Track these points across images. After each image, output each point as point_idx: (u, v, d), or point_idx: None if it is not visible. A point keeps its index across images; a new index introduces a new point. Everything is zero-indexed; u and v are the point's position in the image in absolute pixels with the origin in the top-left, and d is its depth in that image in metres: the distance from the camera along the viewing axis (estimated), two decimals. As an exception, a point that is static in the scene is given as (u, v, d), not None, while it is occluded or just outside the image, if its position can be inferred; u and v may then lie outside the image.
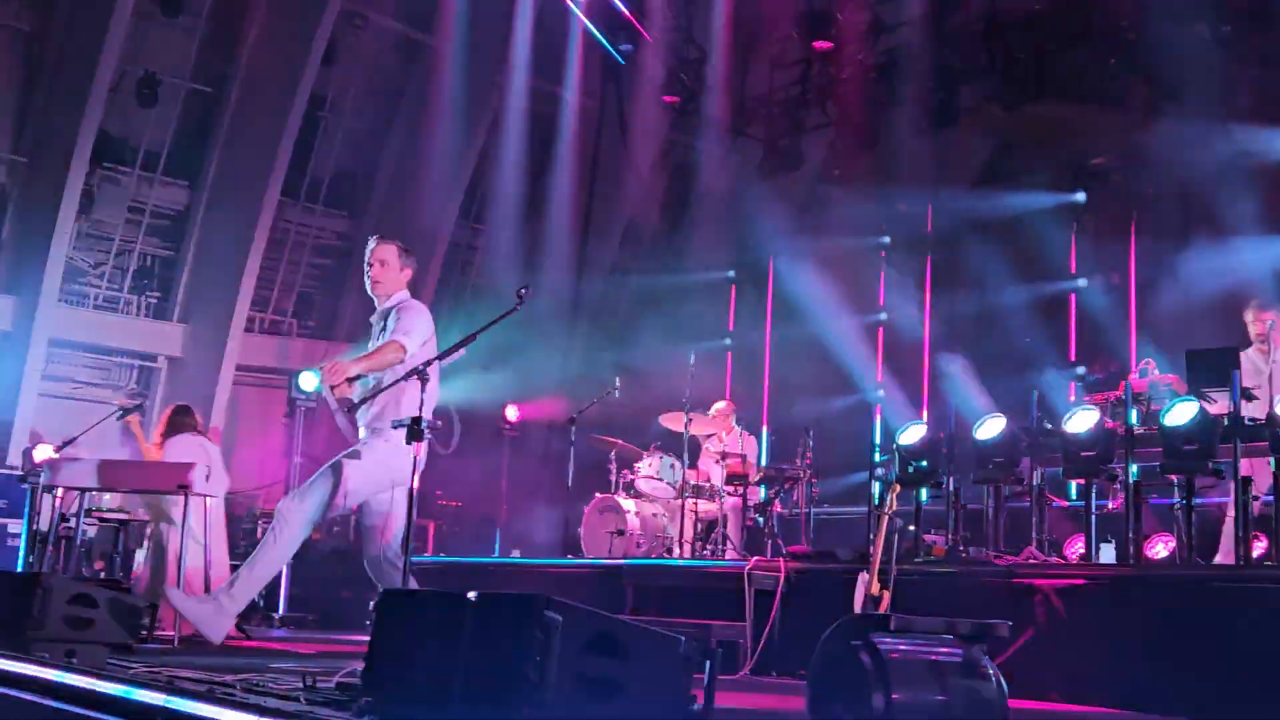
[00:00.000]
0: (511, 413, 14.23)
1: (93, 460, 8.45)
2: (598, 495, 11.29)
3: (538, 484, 15.76)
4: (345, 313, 17.51)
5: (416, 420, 5.34)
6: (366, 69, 16.77)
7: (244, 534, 14.55)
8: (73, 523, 9.10)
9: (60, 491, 8.57)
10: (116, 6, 14.09)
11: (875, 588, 6.57)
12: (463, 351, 5.77)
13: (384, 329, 6.04)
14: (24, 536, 11.39)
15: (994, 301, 13.01)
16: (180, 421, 9.10)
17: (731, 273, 16.41)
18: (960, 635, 4.11)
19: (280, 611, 11.39)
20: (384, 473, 5.96)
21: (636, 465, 11.31)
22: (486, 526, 14.74)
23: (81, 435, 9.21)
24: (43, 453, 10.96)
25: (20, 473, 11.13)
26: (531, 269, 16.68)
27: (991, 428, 8.51)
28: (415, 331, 6.04)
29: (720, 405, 11.61)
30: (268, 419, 15.83)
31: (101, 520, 9.78)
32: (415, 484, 5.52)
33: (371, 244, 6.27)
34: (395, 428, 5.76)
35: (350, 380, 5.84)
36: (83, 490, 8.36)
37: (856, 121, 13.94)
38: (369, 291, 6.28)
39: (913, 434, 8.75)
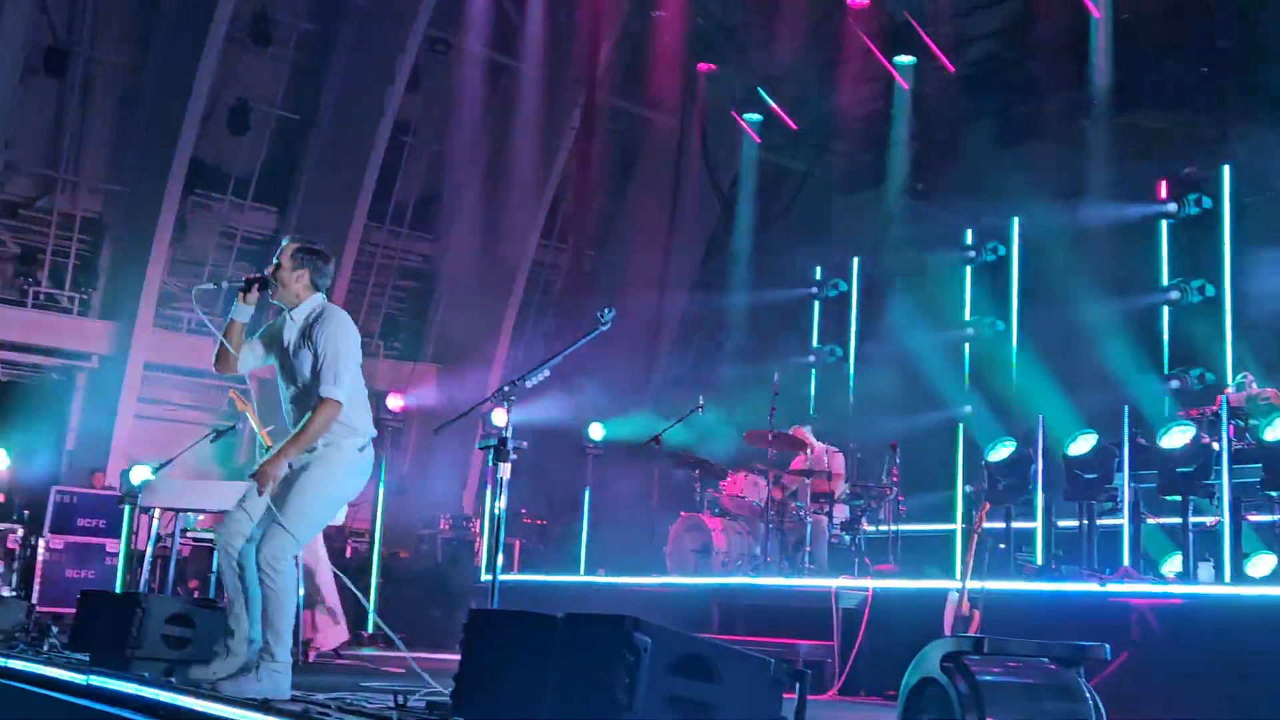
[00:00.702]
0: (595, 431, 14.24)
1: (187, 482, 8.62)
2: (683, 513, 11.23)
3: (622, 502, 15.77)
4: (430, 334, 17.72)
5: (503, 441, 5.38)
6: (450, 93, 16.99)
7: (333, 553, 14.75)
8: (168, 543, 9.28)
9: (156, 512, 8.74)
10: (209, 37, 14.45)
11: (965, 607, 6.47)
12: (547, 373, 5.79)
13: (301, 345, 5.44)
14: (122, 556, 11.67)
15: (1084, 314, 12.77)
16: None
17: (815, 289, 16.30)
18: (1055, 657, 4.03)
19: (369, 630, 11.51)
20: (342, 489, 5.52)
21: (721, 483, 11.24)
22: (570, 544, 14.77)
23: (177, 457, 9.39)
24: (139, 474, 11.21)
25: (118, 494, 11.38)
26: (614, 288, 16.75)
27: (1083, 444, 8.34)
28: (344, 371, 5.33)
29: (797, 427, 11.53)
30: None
31: (195, 540, 9.96)
32: (503, 503, 5.55)
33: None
34: (481, 448, 5.80)
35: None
36: (177, 511, 8.52)
37: (940, 135, 13.80)
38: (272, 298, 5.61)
39: (1001, 450, 8.61)
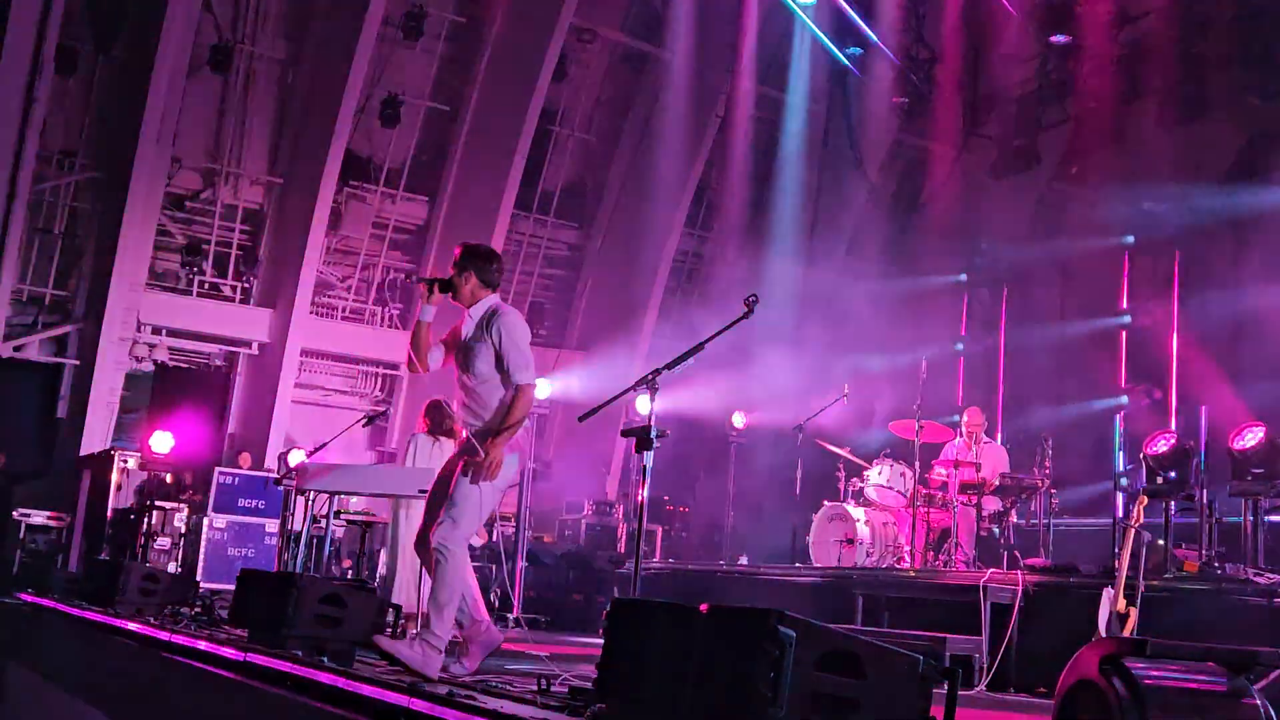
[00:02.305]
0: (739, 419, 14.17)
1: (341, 465, 8.80)
2: (826, 503, 11.13)
3: (765, 491, 15.67)
4: (576, 321, 17.85)
5: (646, 430, 5.34)
6: (595, 83, 17.06)
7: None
8: (323, 524, 9.50)
9: (311, 494, 8.94)
10: (363, 32, 14.75)
11: (1121, 605, 6.22)
12: (692, 361, 5.72)
13: (479, 340, 5.84)
14: (280, 537, 12.02)
15: (1249, 302, 12.21)
16: (433, 420, 9.34)
17: (964, 276, 15.93)
18: (1224, 662, 3.82)
19: (515, 612, 11.65)
20: (504, 479, 5.90)
21: (866, 473, 11.10)
22: (714, 532, 14.75)
23: (331, 440, 9.60)
24: (296, 457, 11.53)
25: (275, 476, 11.71)
26: (759, 275, 16.61)
27: (1250, 436, 7.96)
28: (527, 356, 5.82)
29: (976, 411, 11.28)
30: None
31: (349, 522, 10.19)
32: (645, 490, 5.53)
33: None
34: (625, 435, 5.78)
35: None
36: (332, 493, 8.71)
37: (1097, 117, 13.33)
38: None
39: (1160, 442, 8.27)
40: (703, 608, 3.46)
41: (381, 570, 10.20)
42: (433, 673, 5.46)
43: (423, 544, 5.89)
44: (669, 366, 5.65)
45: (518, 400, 5.77)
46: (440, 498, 5.79)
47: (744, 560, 12.69)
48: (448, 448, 9.18)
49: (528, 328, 5.92)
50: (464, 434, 5.94)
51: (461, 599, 5.65)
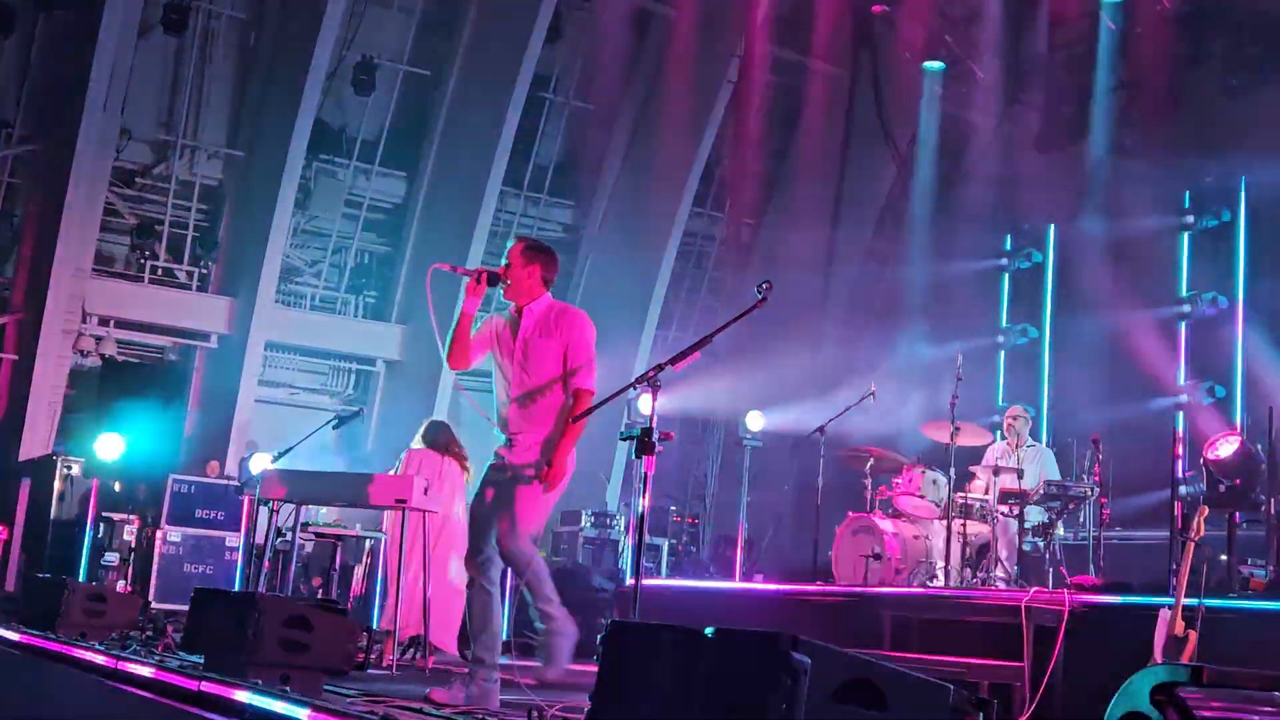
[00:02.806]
0: (754, 421, 14.18)
1: (310, 472, 8.81)
2: (851, 514, 11.13)
3: (783, 500, 15.67)
4: (572, 311, 17.88)
5: (647, 432, 5.35)
6: (594, 45, 17.04)
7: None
8: (290, 537, 9.51)
9: (276, 505, 8.96)
10: (332, -11, 14.73)
11: (1180, 628, 6.22)
12: (697, 354, 5.73)
13: (540, 340, 6.17)
14: (241, 551, 12.03)
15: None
16: (430, 438, 9.38)
17: (1004, 259, 15.93)
18: (1290, 691, 3.81)
19: (504, 636, 11.65)
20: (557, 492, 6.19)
21: (895, 480, 11.10)
22: (725, 547, 14.76)
23: (299, 444, 9.61)
24: (259, 463, 11.53)
25: (237, 483, 11.71)
26: (775, 260, 16.62)
27: (1224, 446, 7.96)
28: (594, 361, 6.18)
29: (1018, 410, 11.27)
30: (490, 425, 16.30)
31: (318, 535, 10.21)
32: (647, 500, 5.53)
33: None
34: (623, 439, 5.80)
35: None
36: (299, 503, 8.72)
37: (1154, 82, 13.31)
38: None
39: (1224, 446, 8.27)
40: (707, 631, 3.46)
41: (357, 589, 10.21)
42: (495, 705, 5.86)
43: (473, 563, 6.12)
44: (674, 361, 5.66)
45: (579, 405, 6.08)
46: (491, 512, 6.07)
47: (759, 578, 12.69)
48: (452, 468, 9.20)
49: (594, 330, 6.26)
50: (515, 438, 6.12)
51: (487, 631, 6.09)
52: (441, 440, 9.39)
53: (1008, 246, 15.88)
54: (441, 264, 6.48)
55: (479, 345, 6.31)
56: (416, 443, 9.36)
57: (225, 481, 13.04)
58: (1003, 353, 15.63)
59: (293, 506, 8.78)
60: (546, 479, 5.97)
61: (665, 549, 14.44)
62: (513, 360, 6.20)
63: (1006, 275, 15.97)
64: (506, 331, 6.27)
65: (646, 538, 5.67)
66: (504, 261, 6.33)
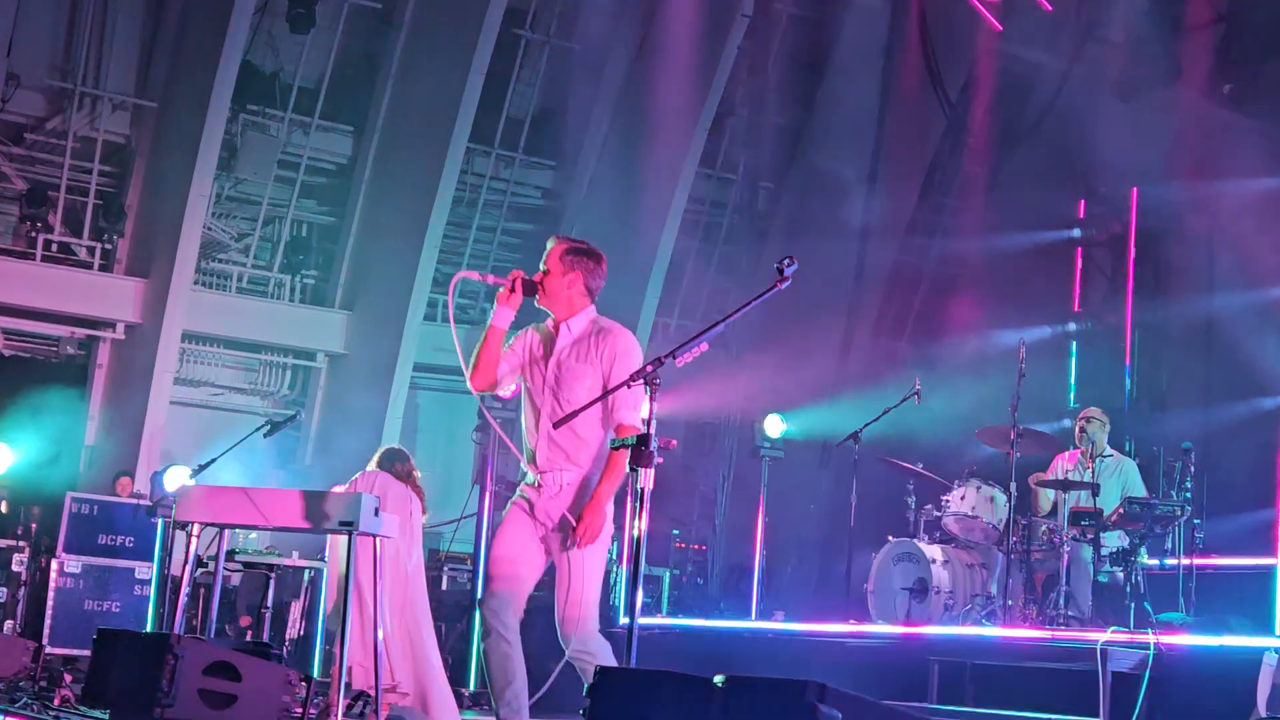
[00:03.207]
0: (773, 426, 14.18)
1: (237, 489, 8.80)
2: (891, 539, 11.16)
3: (809, 522, 15.69)
4: (553, 294, 17.87)
5: (644, 439, 5.35)
6: (579, -29, 17.03)
7: (430, 582, 14.96)
8: (212, 568, 9.51)
9: (197, 528, 8.95)
10: (262, -96, 14.72)
11: (1288, 675, 6.24)
12: (705, 346, 5.74)
13: (580, 362, 6.30)
14: (154, 584, 12.03)
15: None
16: (387, 464, 9.40)
17: (1077, 230, 15.95)
18: None
19: (470, 687, 11.67)
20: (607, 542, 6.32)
21: (945, 498, 11.12)
22: (739, 578, 14.76)
23: (223, 455, 9.62)
24: (176, 478, 11.55)
25: (149, 503, 11.71)
26: (800, 231, 16.62)
27: None
28: (639, 392, 6.12)
29: (1094, 413, 11.28)
30: (454, 433, 16.31)
31: (248, 565, 10.22)
32: (644, 522, 5.54)
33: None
34: (615, 448, 5.81)
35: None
36: (224, 526, 8.72)
37: (1261, 15, 13.32)
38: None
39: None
40: (717, 679, 3.47)
41: (294, 630, 10.23)
42: None
43: (487, 607, 6.35)
44: (676, 354, 5.67)
45: (623, 442, 6.02)
46: (524, 574, 6.33)
47: (780, 616, 12.71)
48: (414, 503, 9.21)
49: (641, 354, 6.32)
50: (544, 477, 6.27)
51: (511, 688, 6.20)
52: (402, 469, 9.41)
53: (1081, 215, 15.89)
54: (468, 271, 6.61)
55: (510, 364, 6.44)
56: (372, 465, 9.38)
57: (135, 501, 13.03)
58: (1075, 343, 15.66)
59: (216, 531, 8.76)
60: (580, 534, 6.11)
61: (666, 581, 14.43)
62: (545, 384, 6.35)
63: (1079, 250, 15.99)
64: (540, 349, 6.41)
65: (643, 567, 5.66)
66: (542, 266, 6.42)
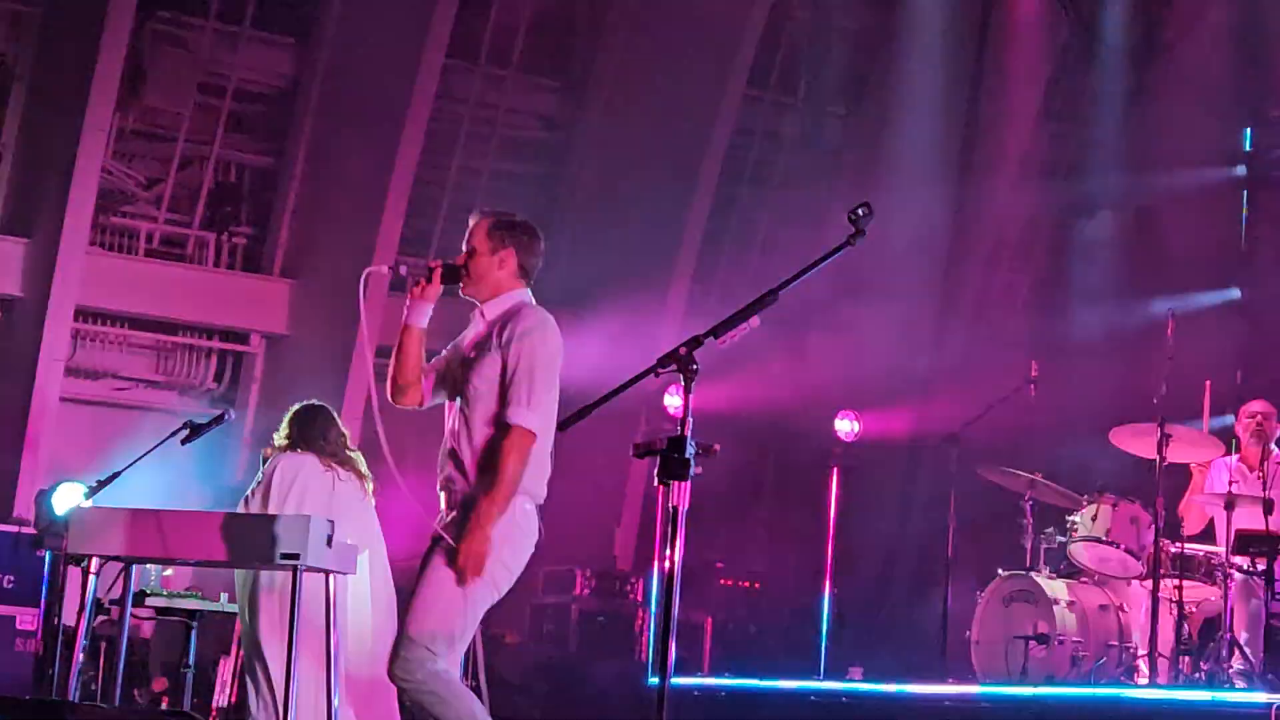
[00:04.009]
0: (844, 427, 14.16)
1: (149, 511, 8.80)
2: (1001, 572, 11.14)
3: (893, 549, 15.65)
4: (559, 256, 17.82)
5: (678, 444, 5.33)
6: None
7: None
8: (117, 614, 9.52)
9: (96, 563, 8.96)
10: None
11: None
12: (756, 321, 5.72)
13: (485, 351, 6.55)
14: (40, 637, 12.03)
15: None
16: (306, 434, 9.35)
17: (1240, 168, 15.88)
18: None
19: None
20: (502, 569, 6.51)
21: (1071, 519, 11.09)
22: (803, 623, 14.75)
23: (130, 468, 9.61)
24: (68, 498, 11.52)
25: (32, 532, 11.71)
26: (877, 171, 16.55)
27: None
28: (543, 393, 6.55)
29: (1264, 407, 11.24)
30: (426, 433, 16.21)
31: (162, 612, 10.22)
32: (679, 550, 5.53)
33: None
34: (640, 455, 5.76)
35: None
36: (131, 561, 8.73)
37: None
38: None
39: None
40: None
41: (223, 694, 10.24)
42: None
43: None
44: (718, 332, 5.66)
45: (510, 450, 6.41)
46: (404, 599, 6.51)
47: (857, 673, 12.70)
48: (349, 487, 9.20)
49: (559, 338, 6.64)
50: (447, 497, 6.53)
51: None
52: (331, 443, 9.36)
53: (1248, 146, 15.81)
54: (377, 266, 6.93)
55: (436, 375, 6.72)
56: (280, 439, 9.35)
57: (14, 528, 13.05)
58: (1239, 314, 15.58)
59: (121, 567, 8.78)
60: (460, 565, 6.31)
61: (709, 628, 14.44)
62: (450, 385, 6.69)
63: (1245, 192, 15.92)
64: (461, 350, 6.68)
65: (677, 611, 5.63)
66: (464, 246, 6.69)
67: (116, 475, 9.18)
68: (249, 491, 9.32)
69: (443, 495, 6.55)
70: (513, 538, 6.46)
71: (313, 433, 9.33)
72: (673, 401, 14.01)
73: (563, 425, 6.11)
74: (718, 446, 5.55)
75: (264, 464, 9.38)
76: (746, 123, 17.53)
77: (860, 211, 5.58)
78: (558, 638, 15.03)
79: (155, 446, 9.39)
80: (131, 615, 9.25)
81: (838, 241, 5.67)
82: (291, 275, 16.89)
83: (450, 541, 6.31)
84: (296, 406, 9.56)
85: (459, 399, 6.58)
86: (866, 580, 14.87)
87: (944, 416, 12.10)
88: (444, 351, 6.74)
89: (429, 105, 16.11)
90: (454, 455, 6.53)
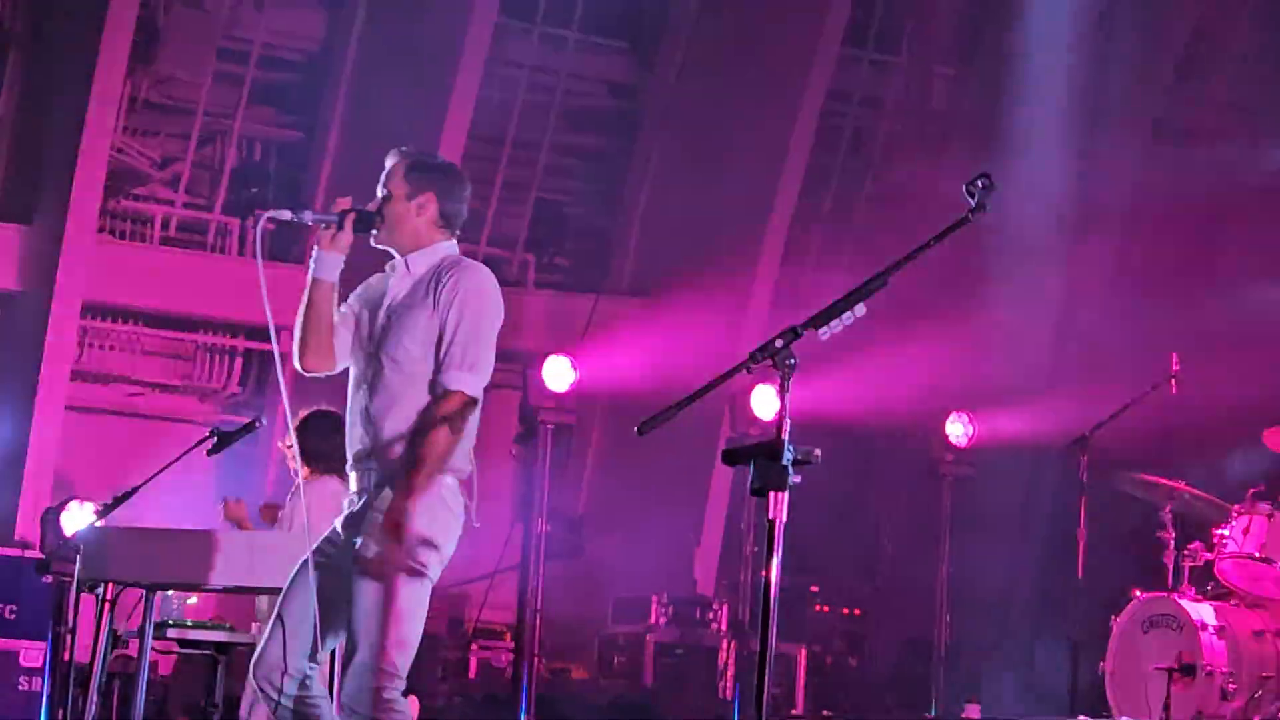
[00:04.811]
0: (956, 431, 14.14)
1: (169, 531, 8.85)
2: (1139, 594, 11.08)
3: (1014, 570, 15.58)
4: (629, 239, 17.84)
5: (772, 450, 5.32)
6: None
7: (449, 667, 15.02)
8: (135, 648, 9.57)
9: (111, 591, 9.01)
10: None
11: None
12: (863, 309, 5.69)
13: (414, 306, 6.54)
14: (49, 674, 12.11)
15: None
16: (322, 448, 9.39)
17: None
18: None
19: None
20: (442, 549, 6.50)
21: (1220, 532, 11.03)
22: (912, 656, 14.74)
23: (147, 484, 9.65)
24: (78, 519, 11.59)
25: (40, 556, 11.77)
26: (987, 140, 16.50)
27: None
28: (483, 355, 6.54)
29: None
30: (484, 442, 16.21)
31: (185, 645, 10.27)
32: (775, 571, 5.52)
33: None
34: (730, 463, 5.74)
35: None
36: (150, 587, 8.77)
37: None
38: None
39: None
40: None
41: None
42: None
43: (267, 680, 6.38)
44: (817, 323, 5.64)
45: (445, 417, 6.44)
46: (333, 617, 6.41)
47: (975, 710, 12.68)
48: None
49: (499, 293, 6.61)
50: (359, 477, 6.52)
51: None
52: (321, 453, 9.42)
53: None
54: (275, 210, 6.81)
55: (349, 334, 6.74)
56: (292, 456, 9.39)
57: (17, 552, 13.13)
58: None
59: (141, 594, 8.83)
60: (386, 548, 6.27)
61: (803, 662, 14.43)
62: (365, 341, 6.66)
63: None
64: (375, 304, 6.67)
65: (773, 643, 5.62)
66: (380, 191, 6.67)
67: (133, 492, 9.23)
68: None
69: (353, 476, 6.55)
70: (441, 517, 6.44)
71: (330, 449, 9.39)
72: (760, 403, 14.01)
73: (642, 429, 6.05)
74: (818, 452, 5.53)
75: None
76: (842, 85, 17.52)
77: (980, 184, 5.55)
78: (630, 673, 15.03)
79: (178, 458, 9.43)
80: (151, 649, 9.30)
81: (946, 219, 5.64)
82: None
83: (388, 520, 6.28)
84: (306, 416, 9.62)
85: (379, 362, 6.55)
86: (984, 605, 14.81)
87: (1071, 417, 12.04)
88: (345, 308, 6.73)
89: (479, 71, 16.17)
90: (373, 426, 6.53)
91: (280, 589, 8.38)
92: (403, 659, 6.28)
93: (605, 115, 18.03)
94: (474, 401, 6.47)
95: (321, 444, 9.33)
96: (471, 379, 6.43)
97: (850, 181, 18.12)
